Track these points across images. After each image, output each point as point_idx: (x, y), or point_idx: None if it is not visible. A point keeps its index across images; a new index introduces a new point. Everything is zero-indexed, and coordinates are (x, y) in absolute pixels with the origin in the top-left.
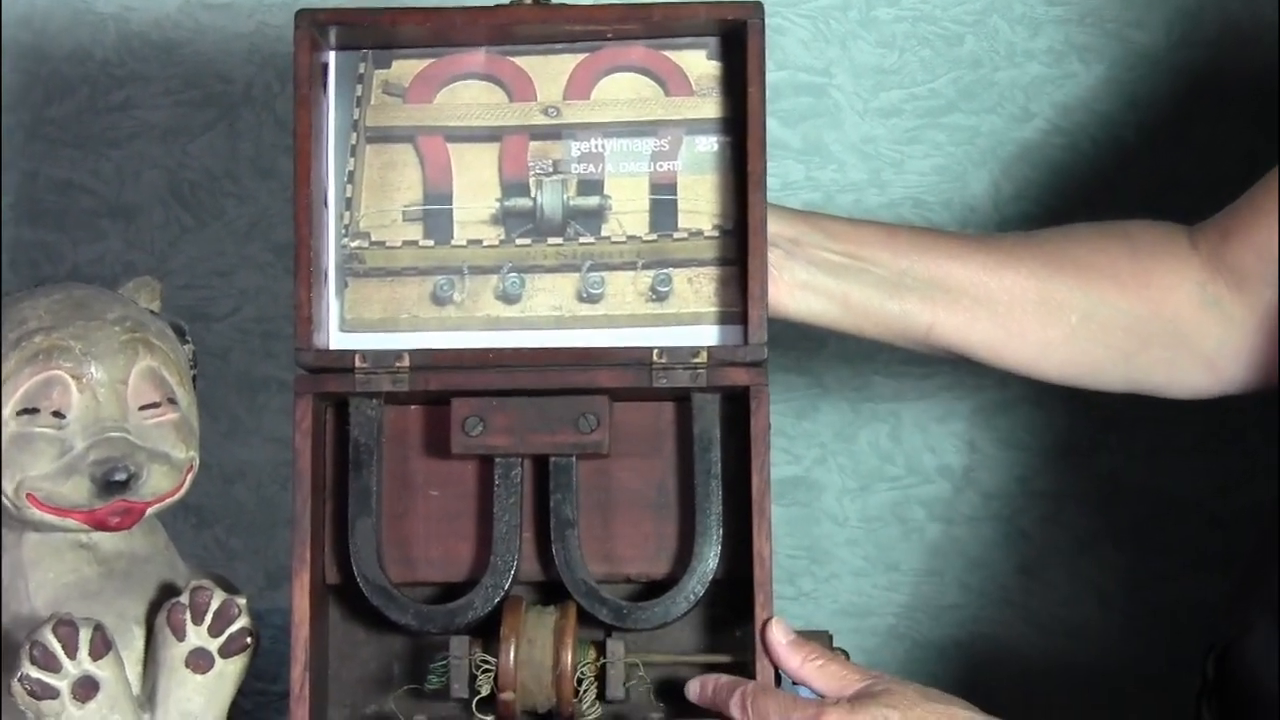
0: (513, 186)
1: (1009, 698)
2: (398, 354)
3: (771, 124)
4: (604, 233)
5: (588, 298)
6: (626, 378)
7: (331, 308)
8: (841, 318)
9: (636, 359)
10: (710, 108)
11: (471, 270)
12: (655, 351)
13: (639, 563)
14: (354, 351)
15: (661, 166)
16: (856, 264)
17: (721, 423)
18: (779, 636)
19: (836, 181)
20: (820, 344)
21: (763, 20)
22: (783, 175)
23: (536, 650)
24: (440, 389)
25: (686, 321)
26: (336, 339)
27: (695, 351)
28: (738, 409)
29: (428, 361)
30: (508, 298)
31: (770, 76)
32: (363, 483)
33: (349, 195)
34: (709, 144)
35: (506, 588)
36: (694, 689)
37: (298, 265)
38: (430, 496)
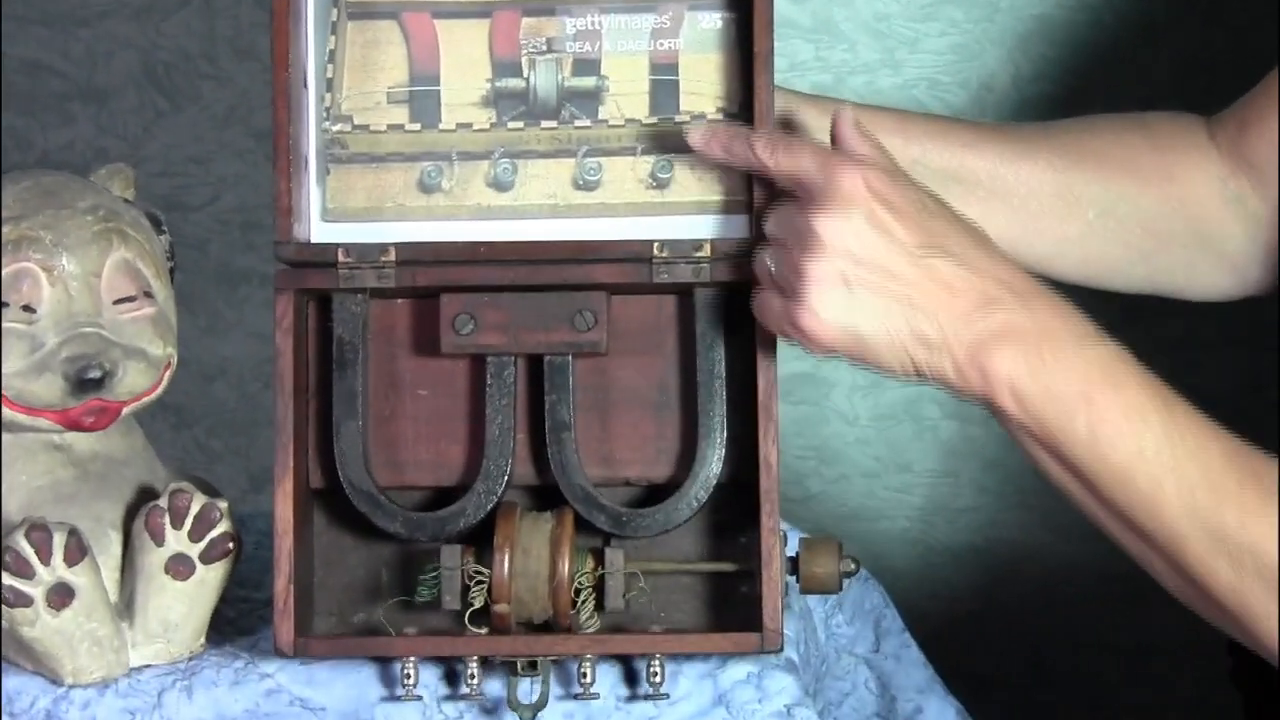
0: (504, 66)
1: (1028, 605)
2: (383, 247)
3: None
4: (601, 116)
5: (584, 185)
6: (626, 273)
7: (313, 196)
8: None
9: (636, 253)
10: None
11: (460, 156)
12: (656, 245)
13: (639, 466)
14: (337, 245)
15: (662, 45)
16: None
17: (725, 319)
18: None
19: (847, 62)
20: None
21: None
22: (790, 55)
23: (532, 560)
24: (428, 284)
25: (688, 211)
26: (318, 230)
27: (698, 245)
28: (743, 304)
29: (415, 255)
30: (499, 185)
31: None
32: (348, 383)
33: (330, 76)
34: (713, 21)
35: (500, 494)
36: (698, 135)
37: (276, 153)
38: (419, 397)
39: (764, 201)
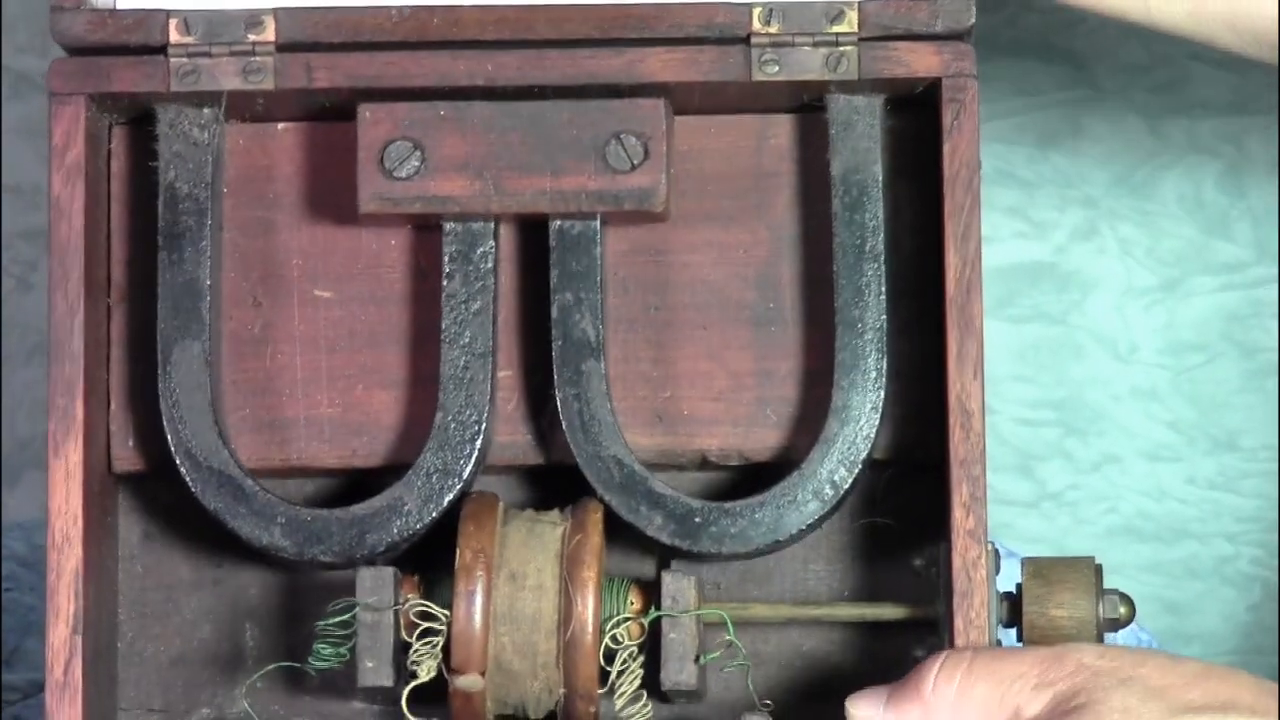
0: None
1: None
2: (253, 15)
3: None
4: None
5: None
6: (701, 63)
7: None
8: None
9: (720, 25)
10: None
11: None
12: (757, 10)
13: (723, 429)
14: (165, 11)
15: None
16: None
17: (887, 153)
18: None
19: None
20: None
21: None
22: None
23: (527, 595)
24: (334, 86)
25: None
26: None
27: (835, 9)
28: (918, 127)
29: (311, 31)
30: None
31: None
32: (185, 273)
33: None
34: None
35: (465, 476)
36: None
37: None
38: (316, 301)
39: None
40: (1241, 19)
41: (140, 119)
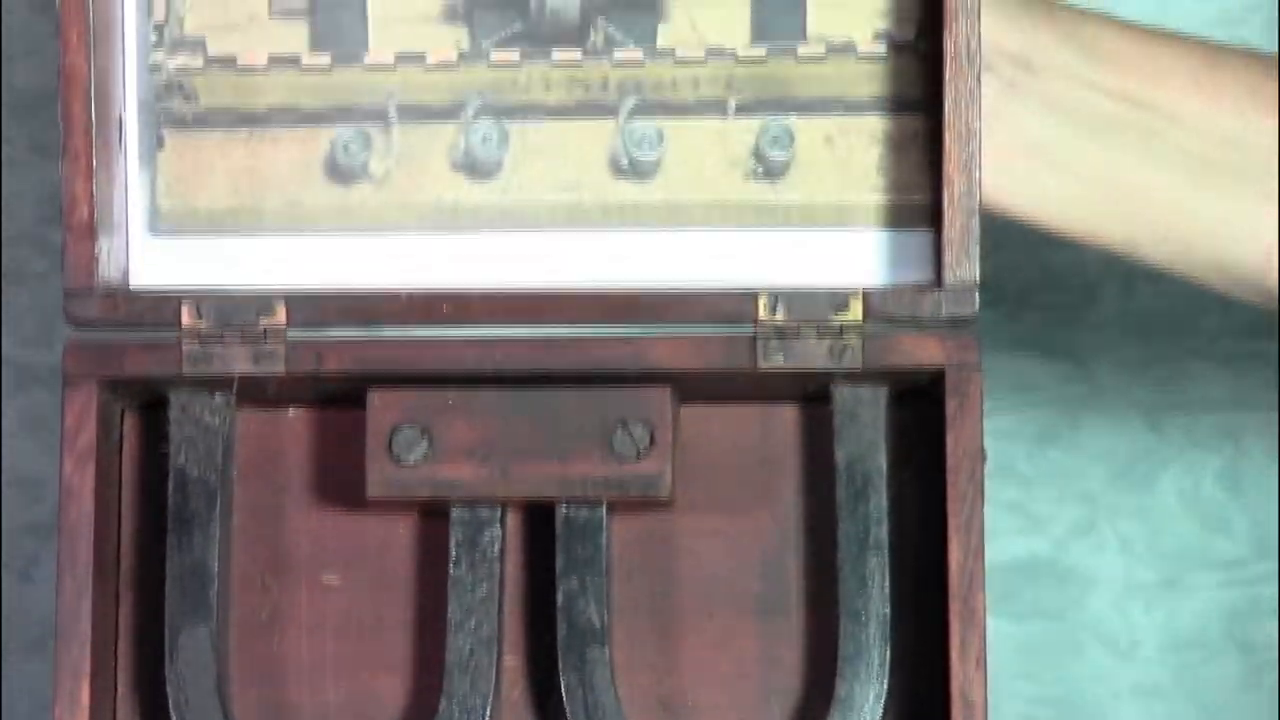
0: None
1: None
2: (264, 300)
3: None
4: (663, 40)
5: (631, 169)
6: (707, 351)
7: (133, 190)
8: (1107, 221)
9: (725, 313)
10: None
11: (405, 114)
12: (762, 299)
13: (728, 717)
14: (178, 295)
15: None
16: (1143, 117)
17: (891, 443)
18: None
19: None
20: (1084, 290)
21: None
22: None
23: None
24: (346, 371)
25: (821, 223)
26: (144, 256)
27: (839, 299)
28: (921, 417)
29: (320, 315)
30: (475, 167)
31: None
32: (194, 557)
33: None
34: None
35: None
36: None
37: (65, 120)
38: (323, 587)
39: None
40: (1229, 262)
41: (153, 402)
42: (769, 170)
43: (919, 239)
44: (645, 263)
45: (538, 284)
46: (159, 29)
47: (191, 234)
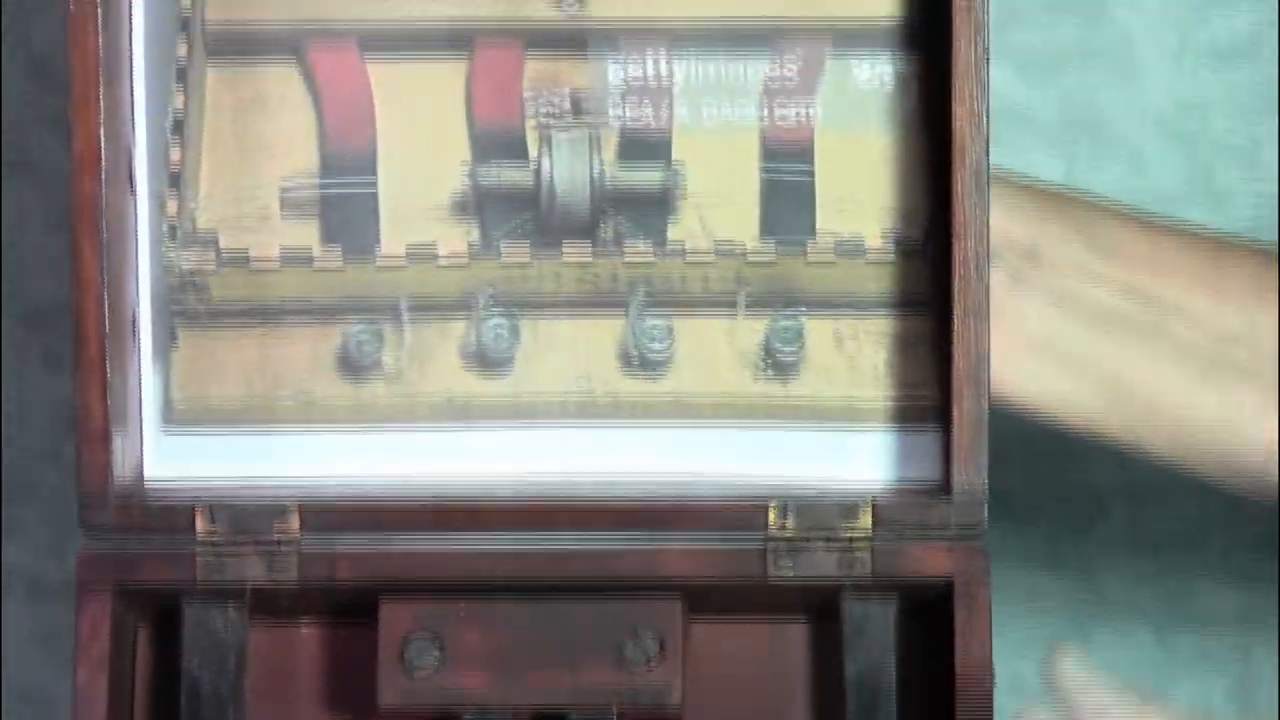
0: (494, 142)
1: None
2: (278, 508)
3: (1001, 62)
4: (673, 237)
5: (641, 364)
6: (717, 561)
7: (147, 387)
8: (1111, 417)
9: (735, 523)
10: (880, 1)
11: (415, 309)
12: (772, 510)
13: None
14: (190, 501)
15: (784, 114)
16: (1149, 309)
17: (899, 655)
18: None
19: (1122, 186)
20: (1093, 505)
21: None
22: (1019, 156)
23: None
24: (359, 580)
25: (830, 421)
26: (157, 454)
27: (849, 508)
28: (930, 628)
29: (335, 523)
30: (486, 361)
31: None
32: None
33: (176, 165)
34: (876, 72)
35: None
36: None
37: (79, 330)
38: None
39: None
40: (1233, 458)
41: (165, 609)
42: (778, 367)
43: (928, 438)
44: (655, 457)
45: (549, 483)
46: (172, 227)
47: (205, 429)
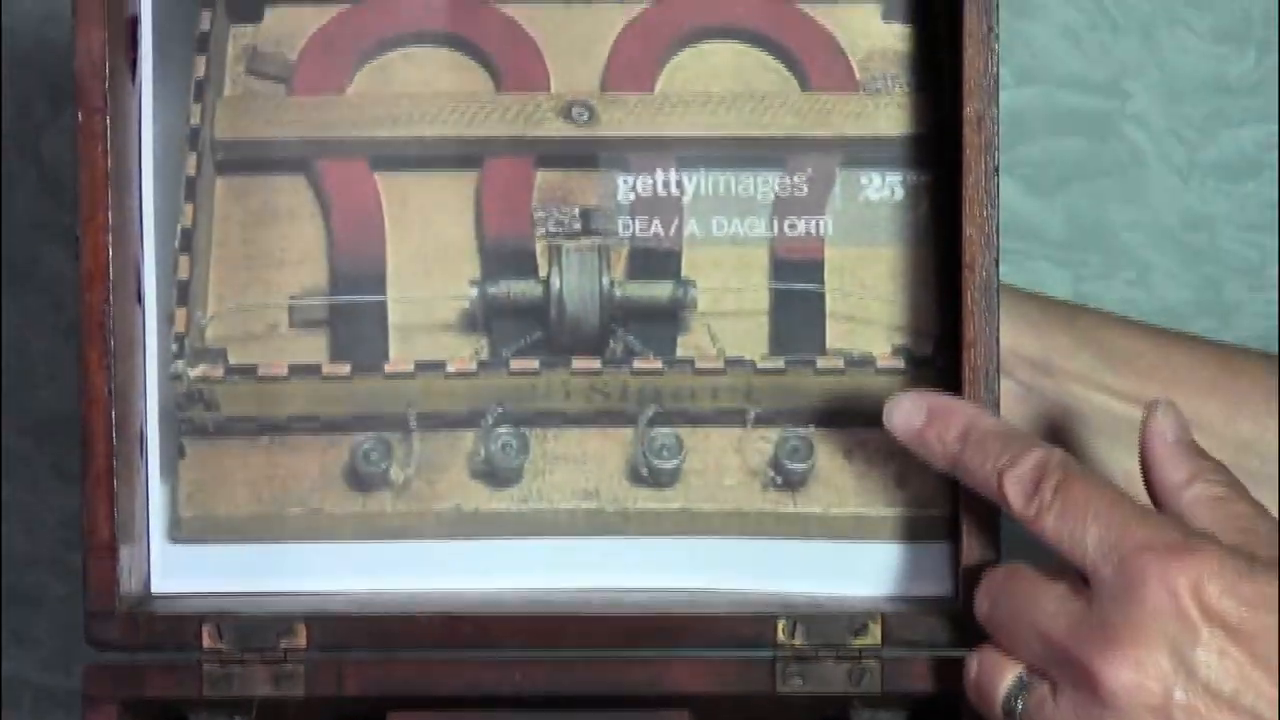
0: (504, 256)
1: None
2: (284, 621)
3: (1009, 177)
4: (683, 353)
5: (651, 478)
6: (725, 675)
7: (154, 500)
8: None
9: (744, 637)
10: (889, 117)
11: (425, 422)
12: (781, 623)
13: None
14: (198, 614)
15: (793, 227)
16: None
17: None
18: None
19: (1130, 301)
20: None
21: None
22: (1029, 273)
23: None
24: (366, 694)
25: (839, 534)
26: (165, 565)
27: (858, 622)
28: None
29: (342, 637)
30: (495, 474)
31: (1010, 93)
32: None
33: (184, 277)
34: (885, 186)
35: None
36: (903, 412)
37: (86, 443)
38: None
39: (982, 553)
40: None
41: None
42: (788, 481)
43: (938, 550)
44: (664, 570)
45: (558, 596)
46: (180, 339)
47: (213, 541)
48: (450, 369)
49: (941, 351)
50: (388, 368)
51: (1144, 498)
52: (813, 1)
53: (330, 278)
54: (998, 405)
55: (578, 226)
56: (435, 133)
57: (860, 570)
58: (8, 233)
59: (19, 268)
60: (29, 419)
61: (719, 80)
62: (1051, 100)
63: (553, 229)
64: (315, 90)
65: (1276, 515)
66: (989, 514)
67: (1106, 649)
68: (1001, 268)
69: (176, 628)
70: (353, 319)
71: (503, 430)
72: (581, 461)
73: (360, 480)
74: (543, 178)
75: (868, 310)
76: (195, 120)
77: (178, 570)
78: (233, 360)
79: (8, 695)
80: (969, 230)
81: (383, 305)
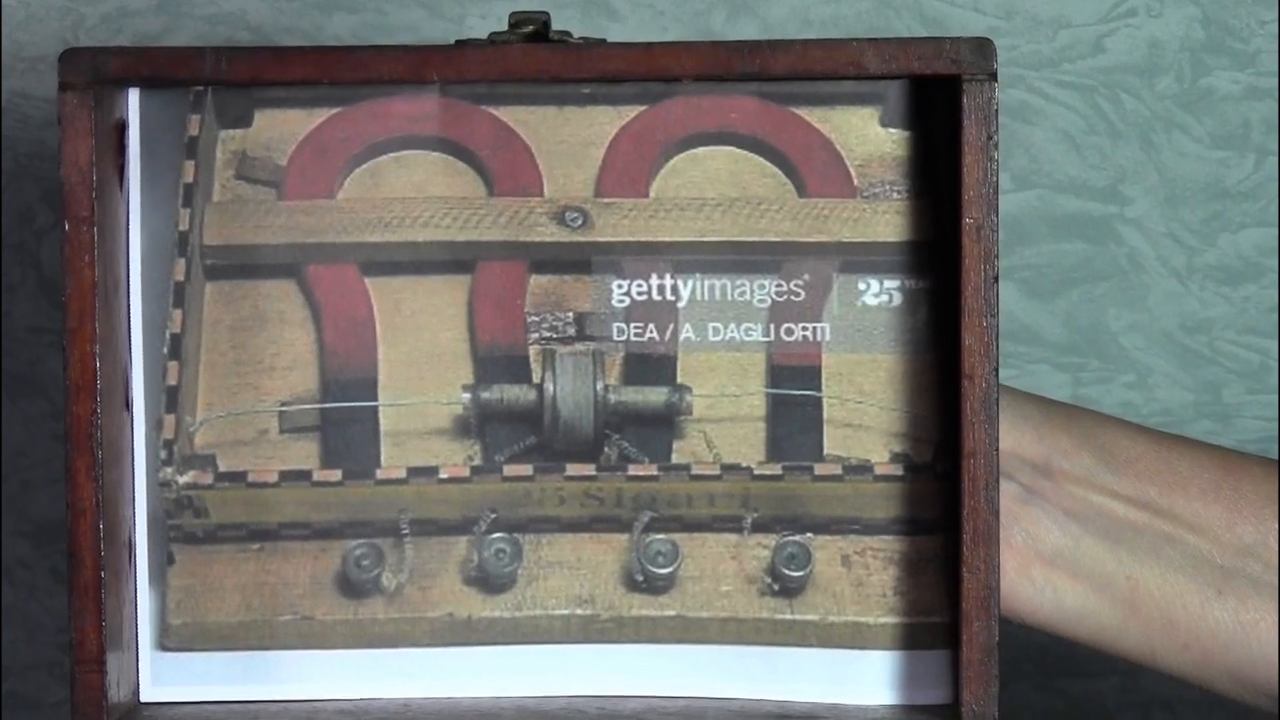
0: (497, 361)
1: None
2: None
3: (1008, 281)
4: (678, 458)
5: (646, 583)
6: None
7: (142, 610)
8: (1126, 630)
9: None
10: (887, 223)
11: (417, 529)
12: None
13: None
14: None
15: (790, 334)
16: (1162, 525)
17: None
18: None
19: (1130, 404)
20: (1102, 717)
21: (991, 72)
22: (1029, 376)
23: None
24: None
25: (837, 642)
26: (153, 676)
27: None
28: None
29: None
30: (488, 581)
31: (1009, 197)
32: None
33: (173, 383)
34: (883, 292)
35: None
36: None
37: (72, 544)
38: None
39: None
40: (1246, 672)
41: None
42: (785, 588)
43: (937, 658)
44: (660, 678)
45: (552, 704)
46: (169, 446)
47: (202, 649)
48: (443, 475)
49: (940, 458)
50: (379, 474)
51: (1156, 613)
52: (809, 106)
53: (321, 383)
54: (997, 514)
55: (572, 331)
56: (427, 237)
57: (859, 678)
58: (8, 338)
59: (19, 373)
60: (29, 523)
61: (714, 185)
62: (1051, 204)
63: (546, 334)
64: (305, 195)
65: (1277, 623)
66: (989, 622)
67: None
68: (1001, 372)
69: None
70: (344, 425)
71: (496, 536)
72: (576, 568)
73: (352, 587)
74: (536, 282)
75: (865, 416)
76: (184, 225)
77: (167, 678)
78: (222, 467)
79: None
80: (968, 340)
81: (374, 411)
